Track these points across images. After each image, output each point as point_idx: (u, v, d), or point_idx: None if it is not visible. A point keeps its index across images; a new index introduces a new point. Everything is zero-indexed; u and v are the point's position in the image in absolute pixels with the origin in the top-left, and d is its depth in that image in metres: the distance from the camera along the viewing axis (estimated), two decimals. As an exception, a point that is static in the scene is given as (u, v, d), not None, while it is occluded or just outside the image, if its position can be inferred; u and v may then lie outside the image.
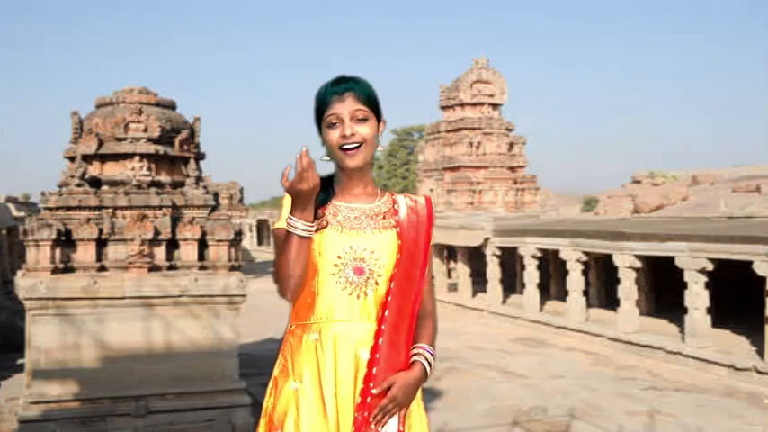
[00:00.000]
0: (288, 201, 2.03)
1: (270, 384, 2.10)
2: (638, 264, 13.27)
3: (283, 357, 2.09)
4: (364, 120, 2.01)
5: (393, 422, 1.97)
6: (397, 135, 45.52)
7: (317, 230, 2.02)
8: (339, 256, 2.02)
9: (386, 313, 2.02)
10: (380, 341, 1.99)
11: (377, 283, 2.03)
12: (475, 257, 19.28)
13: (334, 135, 2.00)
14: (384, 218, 2.09)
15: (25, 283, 7.70)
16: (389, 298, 2.03)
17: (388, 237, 2.07)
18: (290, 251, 1.94)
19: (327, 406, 1.96)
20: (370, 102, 2.03)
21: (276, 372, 2.09)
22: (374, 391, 1.94)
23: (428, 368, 2.03)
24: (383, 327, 2.01)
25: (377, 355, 1.98)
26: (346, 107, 1.99)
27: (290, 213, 1.95)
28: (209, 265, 8.20)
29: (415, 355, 2.03)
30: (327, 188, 2.09)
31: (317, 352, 2.01)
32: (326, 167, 2.12)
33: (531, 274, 16.16)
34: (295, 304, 2.09)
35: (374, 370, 1.97)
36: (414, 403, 2.04)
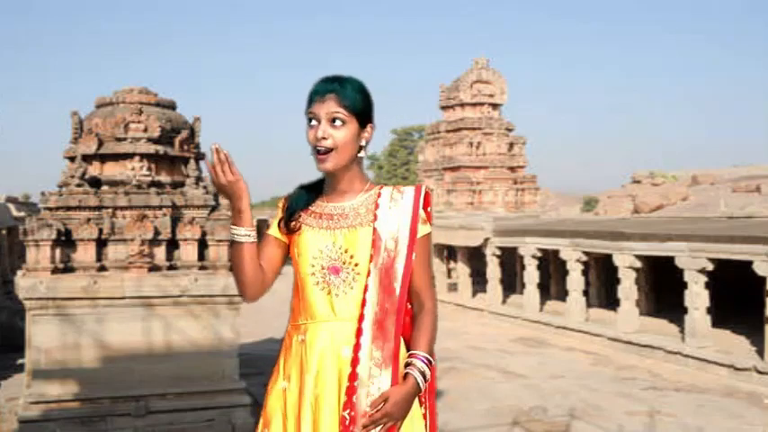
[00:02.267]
0: (280, 205, 2.14)
1: (269, 382, 2.14)
2: (638, 264, 13.27)
3: (279, 357, 2.14)
4: (342, 123, 1.99)
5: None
6: (397, 135, 45.52)
7: (295, 232, 2.07)
8: (315, 257, 2.04)
9: (365, 311, 2.01)
10: (362, 339, 1.99)
11: (354, 281, 2.03)
12: (475, 257, 19.28)
13: (309, 134, 2.01)
14: (363, 214, 2.07)
15: (25, 283, 7.70)
16: (366, 295, 2.02)
17: (363, 233, 2.04)
18: (237, 258, 2.02)
19: (304, 407, 1.97)
20: (354, 107, 2.00)
21: (274, 370, 2.14)
22: (367, 409, 1.93)
23: (421, 381, 1.99)
24: (363, 325, 2.00)
25: (359, 354, 1.98)
26: (324, 108, 1.99)
27: (231, 222, 2.01)
28: (209, 265, 8.20)
29: (408, 366, 2.01)
30: (313, 190, 2.13)
31: (301, 353, 2.03)
32: (316, 174, 2.13)
33: (531, 274, 16.15)
34: (291, 305, 2.13)
35: (357, 368, 1.97)
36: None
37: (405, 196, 2.10)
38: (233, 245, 2.01)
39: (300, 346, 2.03)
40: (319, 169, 2.03)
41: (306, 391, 1.98)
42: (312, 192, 2.12)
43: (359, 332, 2.00)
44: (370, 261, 2.03)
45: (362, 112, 2.03)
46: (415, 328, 2.07)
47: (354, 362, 1.97)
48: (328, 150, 1.99)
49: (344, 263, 2.03)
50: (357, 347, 1.99)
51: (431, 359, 2.03)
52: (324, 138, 1.98)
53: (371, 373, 1.97)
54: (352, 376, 1.96)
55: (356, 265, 2.03)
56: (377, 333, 2.00)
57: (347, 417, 1.94)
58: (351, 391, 1.95)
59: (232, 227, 2.00)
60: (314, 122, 2.00)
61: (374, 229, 2.04)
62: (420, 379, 1.99)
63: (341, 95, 1.99)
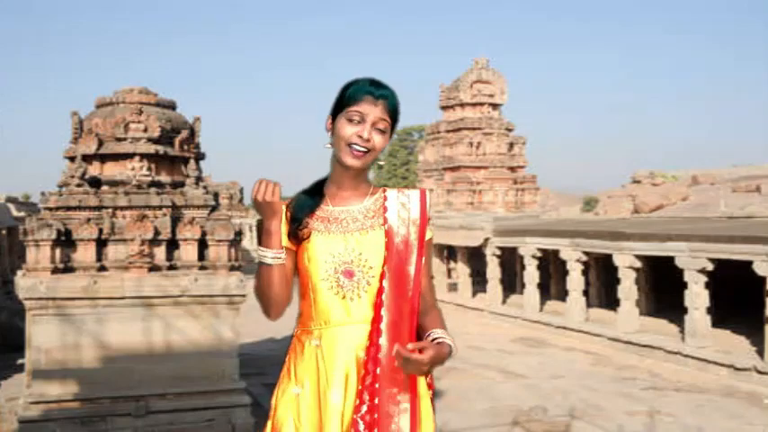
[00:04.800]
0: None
1: (276, 386, 2.12)
2: (638, 264, 13.27)
3: (288, 361, 2.10)
4: (383, 131, 2.02)
5: (405, 421, 1.96)
6: (396, 135, 45.47)
7: (305, 239, 2.03)
8: (326, 261, 2.02)
9: (381, 312, 2.00)
10: (380, 340, 1.98)
11: (369, 284, 2.02)
12: (475, 257, 19.28)
13: (349, 130, 1.99)
14: (372, 217, 2.07)
15: (25, 283, 7.70)
16: (382, 297, 2.01)
17: (375, 236, 2.05)
18: (264, 280, 1.98)
19: (324, 413, 1.96)
20: (394, 118, 2.04)
21: (282, 374, 2.11)
22: (409, 346, 1.87)
23: (454, 349, 2.00)
24: (381, 326, 1.99)
25: (379, 355, 1.97)
26: (376, 112, 1.99)
27: (259, 244, 1.99)
28: (209, 265, 8.20)
29: (438, 337, 1.99)
30: (316, 194, 2.10)
31: (317, 358, 2.01)
32: (316, 174, 2.13)
33: (531, 274, 16.16)
34: (300, 310, 2.10)
35: (378, 370, 1.96)
36: (424, 402, 2.04)
37: (411, 200, 2.11)
38: (260, 267, 1.98)
39: (315, 351, 2.02)
40: (347, 164, 2.01)
41: (331, 397, 1.96)
42: (313, 196, 2.10)
43: (377, 334, 1.99)
44: (384, 264, 2.03)
45: (395, 125, 2.07)
46: (428, 321, 2.07)
47: (375, 363, 1.97)
48: (366, 150, 2.00)
49: (358, 266, 2.02)
50: (377, 349, 1.97)
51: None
52: (368, 140, 1.99)
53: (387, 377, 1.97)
54: (365, 378, 1.96)
55: (370, 268, 2.02)
56: (395, 335, 1.99)
57: (359, 420, 1.94)
58: (362, 393, 1.95)
59: (259, 248, 1.98)
60: (357, 120, 2.00)
61: (386, 232, 2.05)
62: (453, 345, 1.98)
63: (390, 104, 2.02)
